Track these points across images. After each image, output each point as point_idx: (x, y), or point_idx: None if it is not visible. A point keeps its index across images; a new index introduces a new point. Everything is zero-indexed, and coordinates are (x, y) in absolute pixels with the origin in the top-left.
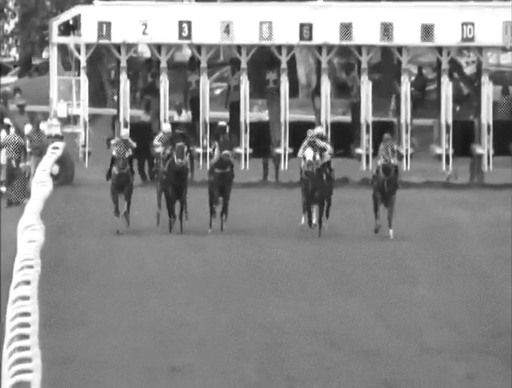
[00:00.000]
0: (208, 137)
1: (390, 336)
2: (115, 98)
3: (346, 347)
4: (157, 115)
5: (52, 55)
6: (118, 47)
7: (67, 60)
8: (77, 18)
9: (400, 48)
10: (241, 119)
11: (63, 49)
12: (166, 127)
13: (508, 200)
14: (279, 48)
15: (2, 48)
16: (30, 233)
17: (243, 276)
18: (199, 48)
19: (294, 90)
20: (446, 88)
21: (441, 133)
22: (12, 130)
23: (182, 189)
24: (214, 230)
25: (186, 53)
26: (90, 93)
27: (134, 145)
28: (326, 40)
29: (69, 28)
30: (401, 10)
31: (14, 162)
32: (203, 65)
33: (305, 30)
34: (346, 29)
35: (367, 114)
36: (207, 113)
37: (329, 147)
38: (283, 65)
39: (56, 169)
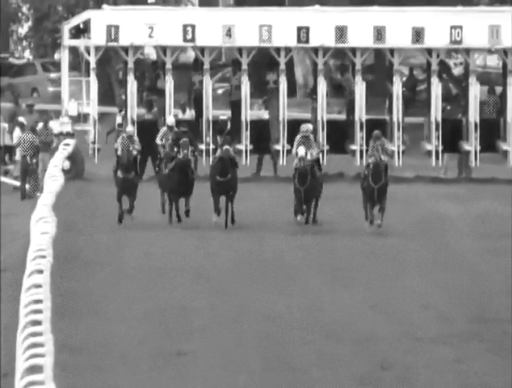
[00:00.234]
0: (211, 134)
1: (384, 324)
2: (123, 97)
3: (342, 336)
4: (161, 113)
5: (63, 57)
6: (125, 49)
7: (77, 61)
8: (87, 22)
9: (392, 51)
10: (242, 117)
11: (74, 51)
12: (170, 119)
13: (494, 194)
14: (278, 50)
15: (16, 50)
16: (42, 225)
17: (244, 268)
18: (202, 50)
19: (292, 90)
20: (436, 88)
21: (431, 131)
22: (26, 128)
23: (188, 186)
24: (219, 225)
25: (190, 55)
26: (99, 93)
27: (139, 145)
28: (322, 43)
29: (80, 32)
30: (393, 14)
31: (28, 159)
32: (206, 66)
33: (302, 33)
34: (341, 32)
35: (360, 112)
36: (209, 111)
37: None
38: (282, 67)
39: (67, 164)
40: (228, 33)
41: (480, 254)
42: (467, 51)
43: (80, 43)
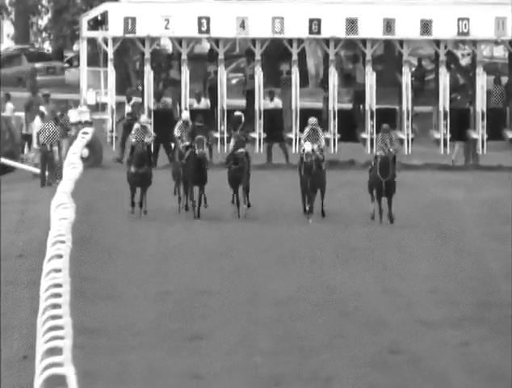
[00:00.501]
0: (226, 123)
1: (392, 309)
2: (140, 87)
3: (353, 319)
4: (175, 103)
5: (82, 48)
6: (142, 40)
7: (96, 52)
8: (104, 14)
9: (401, 42)
10: (256, 106)
11: (92, 43)
12: (185, 115)
13: (500, 181)
14: (290, 41)
15: (36, 42)
16: (62, 211)
17: (257, 251)
18: (217, 41)
19: (304, 80)
20: (444, 78)
21: (439, 120)
22: (47, 118)
23: (202, 178)
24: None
25: (205, 46)
26: (116, 82)
27: (152, 134)
28: (334, 34)
29: (98, 23)
30: (402, 6)
31: (48, 147)
32: (221, 56)
33: (314, 25)
34: (351, 24)
35: (371, 102)
36: (224, 101)
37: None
38: (294, 57)
39: (85, 152)
40: (242, 25)
41: (487, 239)
42: (474, 42)
43: (98, 34)
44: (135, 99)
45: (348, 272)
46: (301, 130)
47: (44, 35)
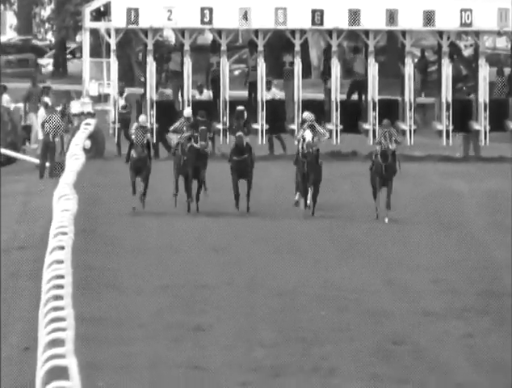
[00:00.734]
0: (228, 113)
1: (395, 299)
2: (142, 78)
3: (355, 310)
4: (175, 94)
5: (84, 39)
6: (145, 31)
7: (98, 43)
8: (107, 5)
9: (404, 33)
10: (258, 97)
11: (95, 34)
12: (187, 112)
13: (502, 172)
14: (293, 32)
15: (39, 32)
16: (64, 202)
17: (259, 244)
18: (219, 32)
19: (307, 72)
20: (447, 69)
21: (442, 111)
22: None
23: (202, 170)
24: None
25: (208, 37)
26: (119, 73)
27: (151, 136)
28: (336, 25)
29: (101, 14)
30: None
31: (51, 137)
32: (224, 48)
33: (317, 16)
34: (354, 15)
35: (373, 93)
36: (226, 92)
37: (326, 133)
38: (297, 48)
39: (88, 143)
40: (245, 16)
41: (489, 230)
42: (477, 33)
43: (101, 25)
44: (127, 92)
45: (350, 264)
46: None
47: (46, 26)
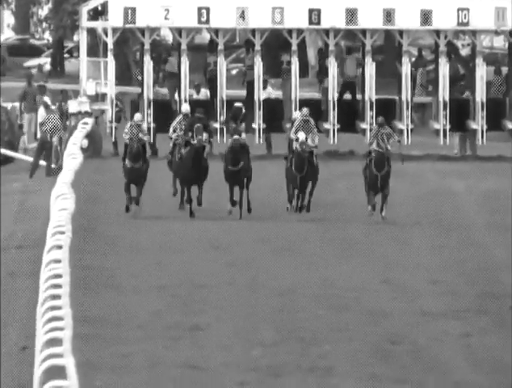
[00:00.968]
0: (225, 113)
1: (393, 300)
2: (140, 77)
3: (354, 310)
4: (172, 93)
5: (81, 38)
6: (142, 31)
7: (95, 42)
8: (104, 5)
9: (401, 32)
10: (255, 97)
11: (92, 33)
12: (185, 107)
13: (500, 171)
14: (290, 31)
15: (36, 32)
16: (62, 201)
17: (257, 244)
18: (216, 31)
19: (304, 71)
20: (444, 68)
21: (439, 110)
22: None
23: (201, 173)
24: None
25: (205, 36)
26: (116, 73)
27: (147, 134)
28: (333, 25)
29: (98, 13)
30: None
31: (48, 136)
32: (221, 47)
33: (314, 15)
34: (351, 14)
35: (370, 92)
36: (224, 91)
37: (316, 139)
38: (294, 48)
39: (85, 142)
40: (242, 15)
41: (488, 230)
42: (474, 32)
43: (98, 24)
44: (118, 90)
45: (348, 264)
46: None
47: (44, 25)
